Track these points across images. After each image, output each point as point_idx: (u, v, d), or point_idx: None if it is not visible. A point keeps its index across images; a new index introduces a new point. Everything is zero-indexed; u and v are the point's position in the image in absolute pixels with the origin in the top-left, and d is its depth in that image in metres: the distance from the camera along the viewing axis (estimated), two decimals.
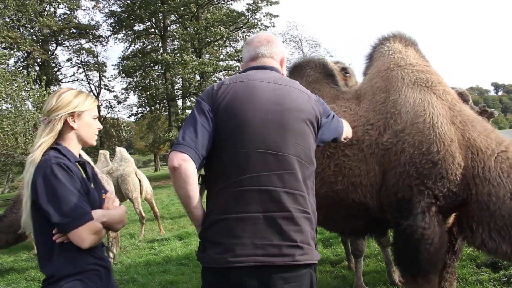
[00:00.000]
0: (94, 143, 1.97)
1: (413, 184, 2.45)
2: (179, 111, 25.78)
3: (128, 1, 27.54)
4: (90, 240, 1.71)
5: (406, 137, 2.52)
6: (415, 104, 2.60)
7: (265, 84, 1.74)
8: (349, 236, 3.61)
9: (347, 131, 2.29)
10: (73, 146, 1.87)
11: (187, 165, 1.55)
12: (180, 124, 24.10)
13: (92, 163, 2.04)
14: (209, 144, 1.64)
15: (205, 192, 1.79)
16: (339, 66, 3.58)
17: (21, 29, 25.77)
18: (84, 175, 1.85)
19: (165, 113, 28.54)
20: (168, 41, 28.19)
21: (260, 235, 1.56)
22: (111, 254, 1.92)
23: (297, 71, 3.41)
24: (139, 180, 7.77)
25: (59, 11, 28.83)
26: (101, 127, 2.00)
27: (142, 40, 30.28)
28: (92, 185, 1.90)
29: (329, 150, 2.73)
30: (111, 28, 29.19)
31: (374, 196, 2.62)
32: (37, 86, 15.49)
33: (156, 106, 28.91)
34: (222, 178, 1.64)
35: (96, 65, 30.92)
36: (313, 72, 3.32)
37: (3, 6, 21.36)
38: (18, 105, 11.49)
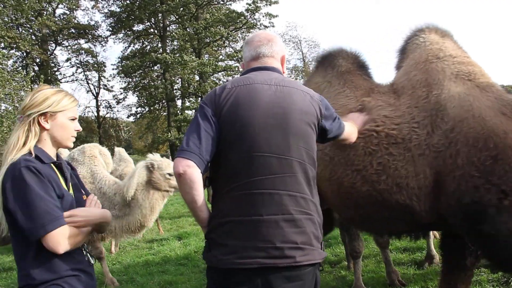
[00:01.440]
0: (71, 145, 1.87)
1: (478, 184, 2.29)
2: (178, 111, 25.75)
3: (128, 1, 27.50)
4: (65, 245, 1.64)
5: (458, 136, 2.37)
6: (460, 98, 2.46)
7: (267, 86, 1.74)
8: (389, 236, 3.44)
9: (349, 133, 2.22)
10: (47, 146, 1.78)
11: (192, 171, 1.59)
12: (179, 125, 24.10)
13: (71, 165, 1.96)
14: (213, 149, 1.66)
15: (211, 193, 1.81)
16: None
17: (20, 28, 25.73)
18: (60, 177, 1.78)
19: (164, 113, 28.49)
20: (168, 41, 28.15)
21: (263, 237, 1.60)
22: (91, 260, 1.86)
23: (328, 61, 3.26)
24: None
25: (58, 11, 28.78)
26: (80, 128, 1.87)
27: (141, 40, 30.22)
28: (71, 188, 1.84)
29: (370, 147, 2.57)
30: (110, 28, 29.12)
31: (421, 199, 2.47)
32: (36, 86, 15.48)
33: (155, 106, 28.87)
34: (227, 181, 1.67)
35: (95, 65, 30.83)
36: (345, 62, 3.16)
37: (1, 5, 21.32)
38: (17, 105, 11.49)
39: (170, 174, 4.61)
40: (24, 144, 1.71)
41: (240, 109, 1.67)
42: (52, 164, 1.77)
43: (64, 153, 6.00)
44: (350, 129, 2.27)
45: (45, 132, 1.77)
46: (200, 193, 1.64)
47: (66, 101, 1.80)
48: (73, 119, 1.83)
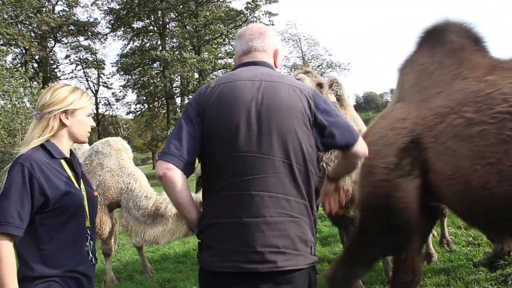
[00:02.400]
0: (86, 141, 1.97)
1: None
2: (177, 109, 25.74)
3: None
4: None
5: None
6: None
7: (250, 83, 1.67)
8: None
9: (362, 144, 1.80)
10: (63, 142, 1.84)
11: (172, 173, 1.59)
12: None
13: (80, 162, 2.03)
14: (195, 150, 1.64)
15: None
16: (314, 81, 3.42)
17: (19, 25, 25.67)
18: (69, 173, 1.82)
19: (163, 111, 28.46)
20: (167, 38, 28.11)
21: (244, 241, 1.55)
22: (94, 260, 1.88)
23: (435, 37, 2.72)
24: None
25: (58, 8, 28.73)
26: (94, 124, 1.99)
27: (140, 38, 30.16)
28: (82, 183, 1.88)
29: (505, 132, 2.07)
30: (109, 26, 29.05)
31: None
32: (35, 83, 15.44)
33: (155, 104, 28.83)
34: (213, 182, 1.65)
35: (95, 63, 30.80)
36: (457, 37, 2.59)
37: (1, 2, 21.26)
38: (16, 102, 11.46)
39: None
40: (39, 138, 1.78)
41: (221, 107, 1.64)
42: (62, 160, 1.82)
43: (85, 146, 6.00)
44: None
45: (64, 128, 1.83)
46: (183, 195, 1.63)
47: (85, 98, 1.88)
48: (89, 115, 1.92)
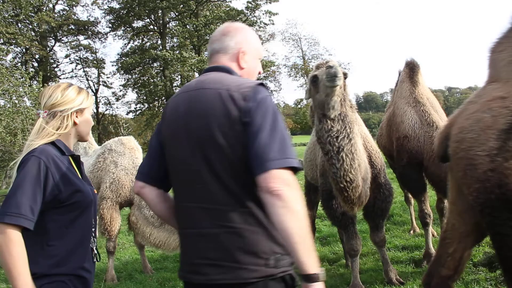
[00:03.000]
0: (88, 139, 2.06)
1: None
2: None
3: None
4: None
5: None
6: None
7: (186, 95, 1.61)
8: None
9: (276, 177, 1.35)
10: (69, 140, 1.89)
11: (144, 191, 1.67)
12: None
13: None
14: (162, 163, 1.66)
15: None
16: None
17: (19, 24, 25.66)
18: (76, 169, 1.86)
19: None
20: (167, 38, 28.12)
21: (186, 251, 1.58)
22: (96, 258, 1.91)
23: None
24: None
25: (58, 7, 28.73)
26: (93, 123, 2.06)
27: (141, 37, 30.16)
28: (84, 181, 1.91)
29: None
30: (110, 25, 29.05)
31: None
32: (35, 82, 15.44)
33: (155, 103, 28.85)
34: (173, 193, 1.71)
35: (95, 62, 30.79)
36: None
37: (1, 1, 21.26)
38: (16, 102, 11.47)
39: None
40: (52, 136, 1.81)
41: (166, 122, 1.65)
42: (70, 157, 1.86)
43: (95, 145, 6.01)
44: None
45: (74, 127, 1.88)
46: (157, 209, 1.71)
47: (90, 98, 1.97)
48: (91, 114, 2.02)
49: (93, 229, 1.89)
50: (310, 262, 1.32)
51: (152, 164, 1.68)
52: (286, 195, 1.33)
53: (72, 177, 1.77)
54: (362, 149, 3.43)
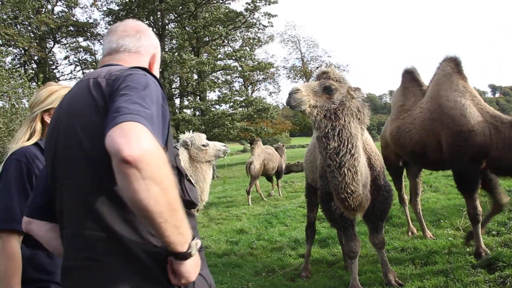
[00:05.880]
0: None
1: None
2: (176, 110, 25.74)
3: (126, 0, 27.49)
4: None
5: None
6: None
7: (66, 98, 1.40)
8: None
9: (122, 131, 1.02)
10: None
11: (30, 227, 1.44)
12: (177, 123, 24.10)
13: None
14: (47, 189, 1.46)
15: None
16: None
17: (18, 26, 25.65)
18: None
19: None
20: (166, 40, 28.11)
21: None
22: None
23: None
24: None
25: (57, 9, 28.75)
26: None
27: None
28: None
29: None
30: (109, 26, 29.05)
31: None
32: (34, 84, 15.43)
33: None
34: None
35: (94, 63, 30.77)
36: None
37: (0, 3, 21.24)
38: (15, 103, 11.45)
39: (204, 145, 4.53)
40: (29, 139, 1.80)
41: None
42: None
43: None
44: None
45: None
46: (53, 246, 1.42)
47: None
48: None
49: None
50: (178, 239, 1.10)
51: (37, 192, 1.41)
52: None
53: None
54: (362, 152, 3.40)
